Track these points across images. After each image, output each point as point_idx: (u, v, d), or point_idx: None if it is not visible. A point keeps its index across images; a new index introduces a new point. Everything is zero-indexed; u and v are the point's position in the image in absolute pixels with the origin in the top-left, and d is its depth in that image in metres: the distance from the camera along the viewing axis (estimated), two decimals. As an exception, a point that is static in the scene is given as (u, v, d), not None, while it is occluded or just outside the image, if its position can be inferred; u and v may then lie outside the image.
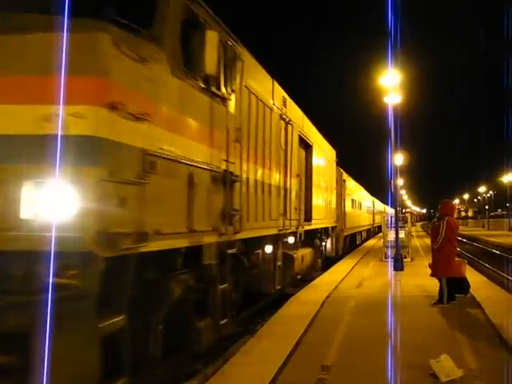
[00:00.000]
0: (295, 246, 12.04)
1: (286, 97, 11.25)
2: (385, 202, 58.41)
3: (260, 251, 9.47)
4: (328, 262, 18.42)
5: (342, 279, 14.27)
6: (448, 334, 7.71)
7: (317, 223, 14.91)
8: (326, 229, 17.41)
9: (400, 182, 47.16)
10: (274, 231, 9.81)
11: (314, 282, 13.89)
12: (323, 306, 10.11)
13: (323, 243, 17.37)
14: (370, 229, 45.61)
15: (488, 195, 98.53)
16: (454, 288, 10.08)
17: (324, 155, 17.14)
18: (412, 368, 6.04)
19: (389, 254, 19.51)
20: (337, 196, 20.14)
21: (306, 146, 13.94)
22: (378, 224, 52.36)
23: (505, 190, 78.56)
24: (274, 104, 9.95)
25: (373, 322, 8.71)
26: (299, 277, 13.34)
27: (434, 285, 10.98)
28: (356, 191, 31.40)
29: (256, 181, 8.64)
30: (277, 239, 10.28)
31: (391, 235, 19.68)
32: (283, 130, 10.67)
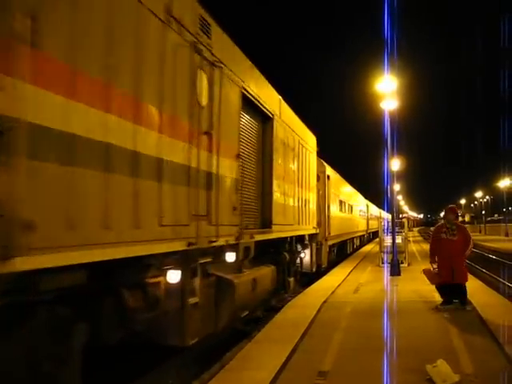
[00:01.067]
0: (237, 267, 8.12)
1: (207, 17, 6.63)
2: (381, 207, 58.43)
3: (151, 281, 5.53)
4: (307, 279, 15.42)
5: (339, 285, 14.27)
6: (445, 339, 7.71)
7: (282, 230, 10.87)
8: (301, 237, 13.57)
9: (397, 187, 47.02)
10: (175, 246, 5.66)
11: (310, 287, 13.88)
12: (320, 312, 10.12)
13: (299, 256, 13.92)
14: (364, 235, 41.53)
15: (485, 200, 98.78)
16: (448, 293, 10.18)
17: (297, 138, 12.65)
18: (409, 373, 6.05)
19: (385, 259, 19.55)
20: (318, 195, 16.55)
21: (262, 116, 9.87)
22: (374, 230, 49.27)
23: (501, 195, 78.79)
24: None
25: (370, 327, 8.72)
26: (245, 314, 8.85)
27: (431, 290, 11.02)
28: (345, 191, 27.35)
29: (115, 149, 4.47)
30: (189, 259, 6.18)
31: (388, 240, 19.72)
32: (200, 71, 6.39)
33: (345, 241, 25.65)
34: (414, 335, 8.01)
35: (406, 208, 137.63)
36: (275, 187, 10.23)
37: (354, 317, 9.65)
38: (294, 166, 12.19)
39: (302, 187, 13.08)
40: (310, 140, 15.00)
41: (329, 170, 19.68)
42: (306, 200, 13.56)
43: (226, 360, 7.37)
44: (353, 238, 30.69)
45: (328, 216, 18.66)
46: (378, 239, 26.51)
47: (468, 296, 10.38)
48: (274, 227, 10.03)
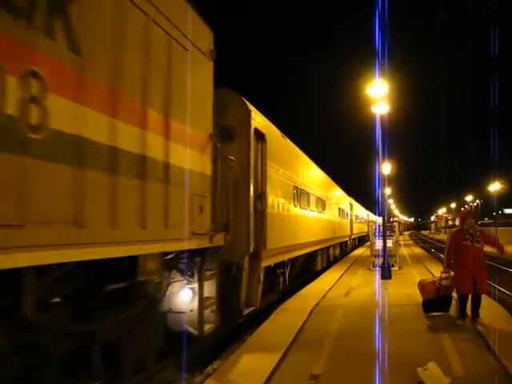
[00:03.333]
0: None
1: None
2: (372, 210, 58.21)
3: None
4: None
5: (330, 288, 14.29)
6: (436, 342, 7.73)
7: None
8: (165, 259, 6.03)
9: (388, 190, 47.12)
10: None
11: (301, 291, 13.89)
12: (311, 315, 10.12)
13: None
14: (347, 242, 32.34)
15: (475, 204, 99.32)
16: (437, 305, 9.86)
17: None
18: (400, 377, 6.07)
19: (377, 262, 19.60)
20: (223, 167, 7.53)
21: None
22: (359, 235, 43.47)
23: (491, 198, 79.29)
24: None
25: (361, 330, 8.73)
26: None
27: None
28: (310, 176, 17.59)
29: None
30: None
31: (379, 244, 19.76)
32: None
33: (305, 256, 15.75)
34: (406, 339, 8.03)
35: (396, 212, 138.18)
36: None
37: (345, 320, 9.66)
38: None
39: (163, 135, 5.76)
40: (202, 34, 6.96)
41: (262, 123, 10.46)
42: (171, 170, 5.86)
43: (216, 364, 7.37)
44: (325, 249, 21.41)
45: (262, 213, 10.12)
46: (366, 244, 26.39)
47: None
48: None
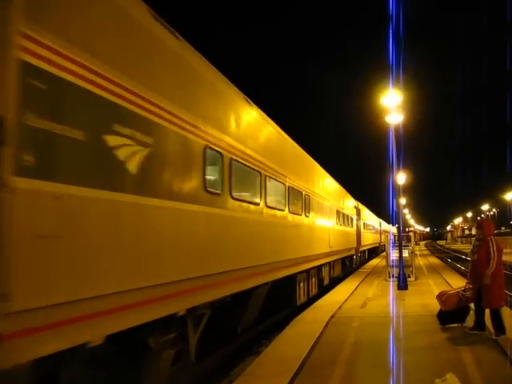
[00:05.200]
0: None
1: None
2: (387, 220, 57.65)
3: None
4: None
5: (346, 299, 14.22)
6: (454, 354, 7.66)
7: None
8: None
9: (403, 200, 46.76)
10: None
11: (317, 302, 13.84)
12: (327, 327, 10.08)
13: None
14: (353, 256, 25.63)
15: (491, 213, 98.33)
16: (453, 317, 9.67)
17: None
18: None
19: (393, 273, 19.49)
20: None
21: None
22: (369, 246, 36.74)
23: (508, 207, 78.42)
24: None
25: (378, 342, 8.69)
26: None
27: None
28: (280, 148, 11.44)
29: None
30: None
31: (394, 255, 19.66)
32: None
33: (280, 282, 10.65)
34: (423, 350, 7.97)
35: (412, 222, 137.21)
36: None
37: (362, 332, 9.61)
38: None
39: None
40: None
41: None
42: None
43: (233, 376, 7.37)
44: (319, 268, 15.85)
45: None
46: (382, 255, 25.96)
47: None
48: None
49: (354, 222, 26.27)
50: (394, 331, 9.71)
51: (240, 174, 7.96)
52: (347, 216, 23.22)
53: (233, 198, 7.50)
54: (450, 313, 9.66)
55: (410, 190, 63.39)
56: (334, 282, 18.84)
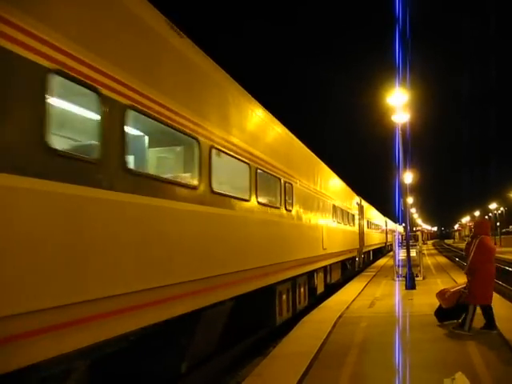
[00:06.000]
0: None
1: None
2: (395, 220, 57.39)
3: None
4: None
5: (354, 299, 14.18)
6: (462, 353, 7.61)
7: None
8: None
9: (410, 199, 46.53)
10: None
11: (324, 302, 13.79)
12: (335, 327, 10.05)
13: None
14: (355, 258, 23.04)
15: (499, 212, 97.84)
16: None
17: None
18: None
19: (400, 272, 19.44)
20: None
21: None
22: (374, 247, 33.93)
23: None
24: None
25: (386, 341, 8.66)
26: None
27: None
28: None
29: None
30: None
31: (402, 254, 19.60)
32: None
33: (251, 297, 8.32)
34: (432, 349, 7.93)
35: (419, 221, 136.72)
36: None
37: (370, 332, 9.56)
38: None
39: None
40: None
41: None
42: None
43: (241, 377, 7.35)
44: (310, 275, 13.30)
45: None
46: (389, 254, 25.78)
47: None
48: None
49: (357, 220, 24.12)
50: (402, 331, 9.66)
51: (163, 142, 6.64)
52: (347, 213, 20.87)
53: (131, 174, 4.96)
54: (448, 310, 9.69)
55: (418, 189, 63.21)
56: (333, 288, 16.63)
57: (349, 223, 21.25)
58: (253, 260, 8.32)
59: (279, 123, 10.90)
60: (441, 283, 16.90)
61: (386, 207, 50.60)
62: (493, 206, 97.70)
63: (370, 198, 34.54)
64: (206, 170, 6.50)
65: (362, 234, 25.28)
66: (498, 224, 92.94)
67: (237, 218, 7.70)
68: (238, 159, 7.86)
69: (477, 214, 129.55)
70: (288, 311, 10.83)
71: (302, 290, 12.29)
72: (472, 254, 9.08)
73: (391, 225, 52.52)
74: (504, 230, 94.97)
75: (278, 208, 9.99)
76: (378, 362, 7.30)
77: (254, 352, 9.31)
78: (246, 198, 8.15)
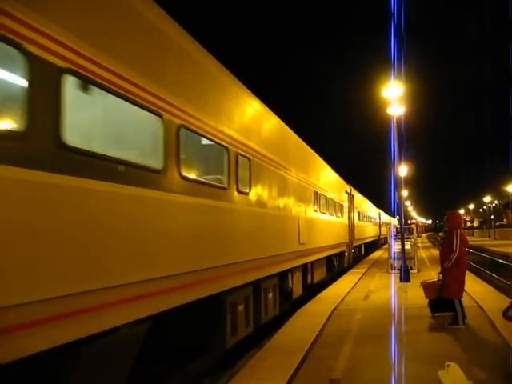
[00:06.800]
0: None
1: None
2: (389, 213, 57.52)
3: None
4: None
5: (349, 292, 14.21)
6: (455, 345, 7.66)
7: None
8: None
9: (405, 192, 46.59)
10: None
11: (320, 294, 13.83)
12: (330, 319, 10.08)
13: None
14: (343, 253, 20.69)
15: (493, 205, 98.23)
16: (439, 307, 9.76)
17: None
18: (420, 380, 6.02)
19: (395, 265, 19.49)
20: None
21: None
22: (366, 240, 32.45)
23: (510, 199, 78.26)
24: None
25: (380, 334, 8.69)
26: None
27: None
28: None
29: None
30: None
31: (397, 247, 19.65)
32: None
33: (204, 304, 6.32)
34: (426, 341, 7.97)
35: (414, 214, 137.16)
36: None
37: (365, 325, 9.61)
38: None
39: None
40: None
41: None
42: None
43: (235, 369, 7.36)
44: (284, 274, 10.78)
45: None
46: (384, 247, 25.82)
47: (479, 301, 10.27)
48: None
49: (346, 210, 21.73)
50: (398, 323, 9.70)
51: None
52: (334, 202, 18.37)
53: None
54: (439, 302, 9.68)
55: (412, 182, 63.32)
56: (316, 289, 14.84)
57: (336, 214, 18.80)
58: (170, 263, 5.44)
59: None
60: (435, 276, 16.93)
61: (382, 200, 50.68)
62: (487, 199, 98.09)
63: (365, 191, 34.55)
64: None
65: (352, 226, 23.35)
66: (492, 217, 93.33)
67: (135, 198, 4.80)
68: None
69: (471, 207, 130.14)
70: (247, 326, 8.23)
71: (269, 296, 9.51)
72: (458, 245, 9.01)
73: (385, 217, 52.42)
74: (498, 224, 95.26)
75: (224, 189, 7.16)
76: (373, 354, 7.33)
77: (250, 344, 9.32)
78: (156, 168, 5.23)
